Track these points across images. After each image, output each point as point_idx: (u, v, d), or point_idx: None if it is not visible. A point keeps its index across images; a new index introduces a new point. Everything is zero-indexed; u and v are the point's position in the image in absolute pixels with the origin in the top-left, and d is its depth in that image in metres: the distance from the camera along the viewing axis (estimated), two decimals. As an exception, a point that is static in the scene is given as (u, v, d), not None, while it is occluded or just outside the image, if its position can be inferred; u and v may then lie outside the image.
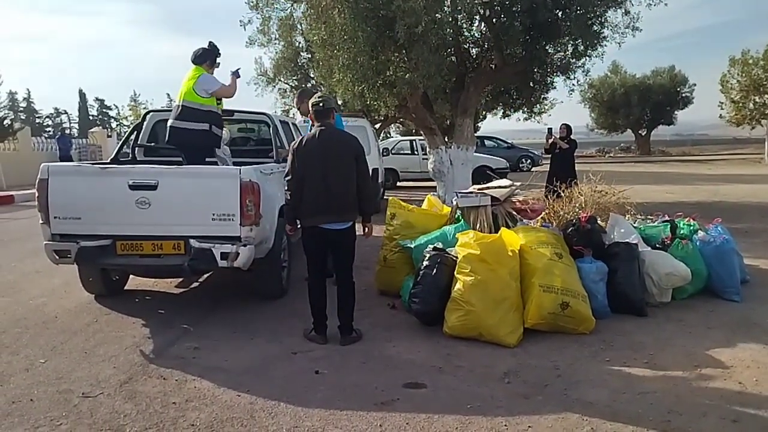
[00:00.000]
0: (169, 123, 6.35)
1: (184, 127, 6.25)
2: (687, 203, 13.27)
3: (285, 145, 7.12)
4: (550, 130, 12.11)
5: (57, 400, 3.91)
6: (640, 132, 45.19)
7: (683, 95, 42.44)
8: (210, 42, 6.59)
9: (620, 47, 12.21)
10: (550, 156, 11.96)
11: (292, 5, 13.43)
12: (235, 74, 6.66)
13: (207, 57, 6.46)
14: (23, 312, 5.93)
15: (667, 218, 6.82)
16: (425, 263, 5.28)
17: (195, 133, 6.25)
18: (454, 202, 6.64)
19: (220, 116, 6.56)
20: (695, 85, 42.98)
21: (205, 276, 7.16)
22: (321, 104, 4.95)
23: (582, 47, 11.90)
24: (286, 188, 4.95)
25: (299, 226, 5.09)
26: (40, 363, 4.57)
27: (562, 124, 11.96)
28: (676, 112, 43.07)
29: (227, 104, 6.97)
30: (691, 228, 6.45)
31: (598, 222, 6.00)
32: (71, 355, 4.74)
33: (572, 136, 11.94)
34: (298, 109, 7.47)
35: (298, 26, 18.19)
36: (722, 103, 31.85)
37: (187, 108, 6.25)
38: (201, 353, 4.77)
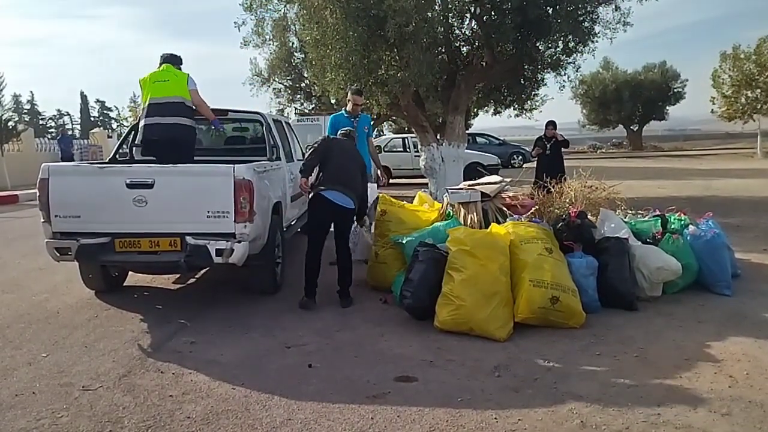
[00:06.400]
0: (159, 120, 6.35)
1: (176, 123, 6.34)
2: (679, 198, 13.24)
3: (278, 143, 7.19)
4: (540, 138, 12.05)
5: (58, 393, 3.98)
6: (631, 128, 45.02)
7: (675, 90, 42.32)
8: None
9: (612, 43, 12.20)
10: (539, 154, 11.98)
11: (285, 6, 13.46)
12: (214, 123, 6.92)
13: (180, 61, 6.72)
14: (26, 308, 6.01)
15: (657, 213, 6.79)
16: (416, 259, 5.32)
17: (184, 128, 6.41)
18: (445, 199, 6.70)
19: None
20: (687, 80, 42.90)
21: (202, 272, 7.20)
22: None
23: (573, 44, 11.90)
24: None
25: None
26: (42, 357, 4.64)
27: (548, 124, 11.94)
28: (667, 108, 42.87)
29: (221, 104, 7.09)
30: (682, 222, 6.44)
31: (588, 217, 6.01)
32: (72, 349, 4.81)
33: (561, 133, 11.97)
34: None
35: (292, 27, 18.23)
36: (714, 98, 31.76)
37: (182, 105, 6.36)
38: (197, 347, 4.84)
